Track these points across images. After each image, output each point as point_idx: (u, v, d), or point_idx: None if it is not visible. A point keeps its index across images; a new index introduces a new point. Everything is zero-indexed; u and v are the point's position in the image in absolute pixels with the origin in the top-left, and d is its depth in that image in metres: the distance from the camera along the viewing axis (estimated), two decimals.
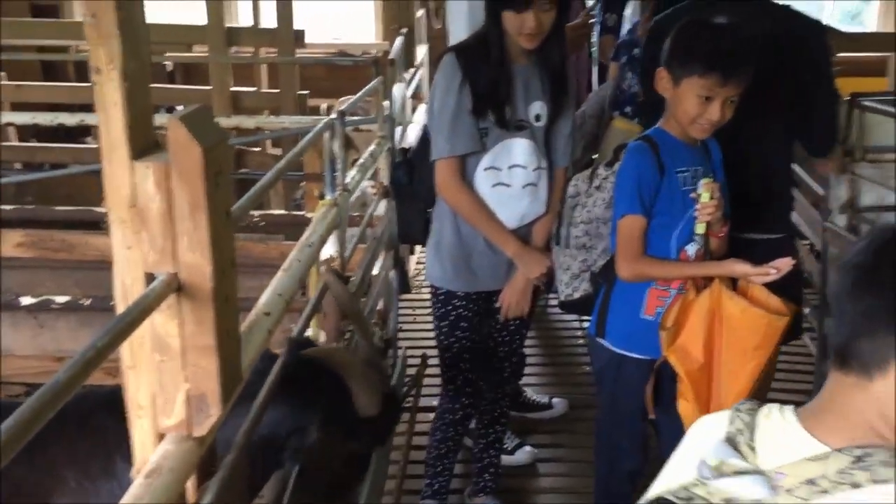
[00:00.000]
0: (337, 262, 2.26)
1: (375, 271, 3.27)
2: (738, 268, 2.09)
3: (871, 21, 6.41)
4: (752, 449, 0.98)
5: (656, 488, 1.06)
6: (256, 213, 3.68)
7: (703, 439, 1.06)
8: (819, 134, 2.49)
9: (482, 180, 2.34)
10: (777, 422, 0.99)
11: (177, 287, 1.02)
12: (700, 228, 2.16)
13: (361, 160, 2.93)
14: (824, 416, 0.97)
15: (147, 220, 1.01)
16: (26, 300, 3.02)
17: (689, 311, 2.16)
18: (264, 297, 1.51)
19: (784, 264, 2.05)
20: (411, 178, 2.55)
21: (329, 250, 2.28)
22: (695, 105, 2.06)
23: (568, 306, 2.46)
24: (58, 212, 3.72)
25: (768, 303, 2.13)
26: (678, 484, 1.01)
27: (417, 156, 2.55)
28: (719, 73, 2.03)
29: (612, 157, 2.31)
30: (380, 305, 3.35)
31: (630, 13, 3.72)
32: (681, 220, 2.17)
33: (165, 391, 1.06)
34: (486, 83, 2.26)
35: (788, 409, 1.02)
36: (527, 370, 3.60)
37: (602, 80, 4.22)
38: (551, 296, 4.34)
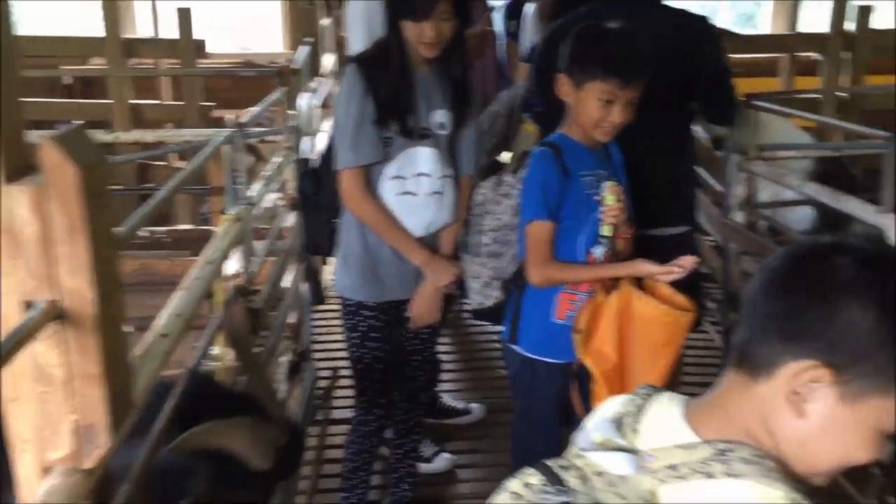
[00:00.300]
0: (242, 278, 2.21)
1: (286, 284, 3.23)
2: (644, 267, 2.13)
3: (764, 23, 6.66)
4: (635, 431, 1.00)
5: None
6: (162, 228, 3.59)
7: (596, 418, 1.08)
8: (723, 109, 2.64)
9: (387, 189, 2.33)
10: (664, 409, 1.01)
11: (58, 314, 0.98)
12: (606, 231, 2.20)
13: (266, 172, 2.89)
14: (707, 409, 0.99)
15: (22, 245, 0.96)
16: None
17: (599, 312, 2.19)
18: (161, 319, 1.47)
19: (688, 262, 2.09)
20: (317, 189, 2.52)
21: (234, 266, 2.24)
22: (597, 108, 2.09)
23: (480, 314, 2.46)
24: None
25: (674, 300, 2.18)
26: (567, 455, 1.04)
27: (323, 166, 2.52)
28: (620, 76, 2.06)
29: (517, 163, 2.33)
30: (292, 318, 3.31)
31: (531, 20, 3.77)
32: (587, 224, 2.20)
33: (51, 423, 1.02)
34: (388, 92, 2.25)
35: (680, 398, 1.03)
36: (443, 376, 3.60)
37: (508, 85, 4.26)
38: (465, 301, 4.40)
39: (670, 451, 0.95)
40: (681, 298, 2.18)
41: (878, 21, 4.82)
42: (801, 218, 3.73)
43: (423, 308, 2.43)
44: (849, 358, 0.88)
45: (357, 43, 2.76)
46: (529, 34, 3.83)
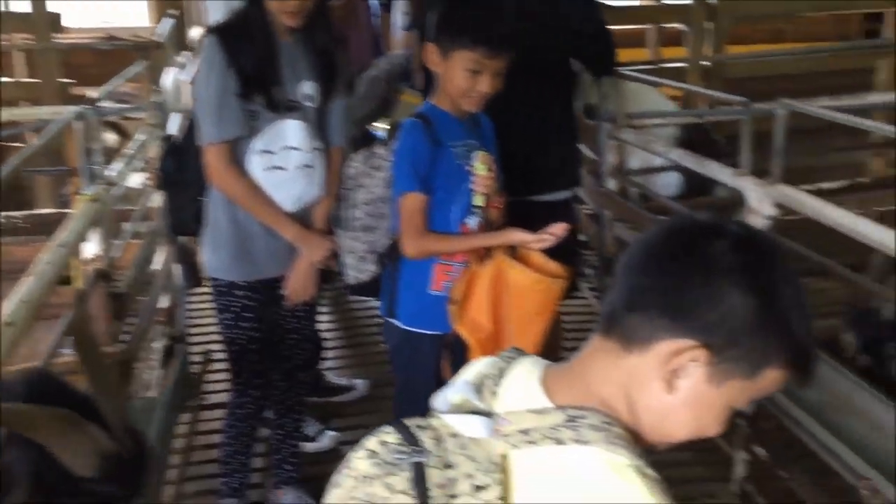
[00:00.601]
0: (102, 262, 2.11)
1: (157, 267, 3.11)
2: (516, 236, 2.14)
3: None
4: (494, 394, 1.00)
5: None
6: (18, 213, 3.38)
7: (460, 379, 1.07)
8: (601, 60, 2.73)
9: (255, 164, 2.25)
10: (523, 373, 1.01)
11: None
12: (478, 200, 2.20)
13: (128, 150, 2.76)
14: (566, 375, 0.99)
15: None
16: None
17: (474, 282, 2.19)
18: (6, 307, 1.37)
19: (560, 229, 2.11)
20: (180, 166, 2.41)
21: (93, 249, 2.13)
22: (465, 78, 2.07)
23: (357, 289, 2.43)
24: None
25: (547, 267, 2.19)
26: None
27: (186, 142, 2.41)
28: (487, 46, 2.04)
29: (388, 136, 2.30)
30: (165, 302, 3.20)
31: None
32: (459, 194, 2.19)
33: None
34: (252, 63, 2.17)
35: (541, 363, 1.04)
36: (327, 353, 3.56)
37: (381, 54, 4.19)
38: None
39: (523, 415, 0.95)
40: (553, 265, 2.20)
41: None
42: (668, 183, 3.86)
43: (297, 284, 2.37)
44: (725, 341, 0.90)
45: (216, 12, 2.64)
46: (400, 3, 3.77)
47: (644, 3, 5.46)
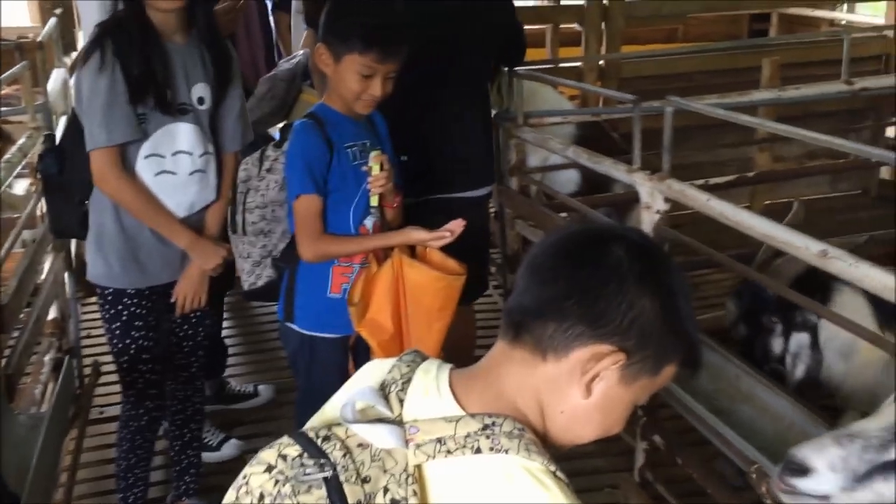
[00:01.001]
0: None
1: (43, 276, 2.98)
2: (415, 235, 2.13)
3: None
4: (401, 401, 0.99)
5: (310, 422, 1.04)
6: None
7: (362, 381, 1.05)
8: (512, 53, 2.88)
9: (144, 168, 2.18)
10: (430, 379, 1.00)
11: None
12: (374, 200, 2.18)
13: (7, 156, 2.63)
14: (476, 381, 1.00)
15: None
16: None
17: (374, 283, 2.17)
18: None
19: (457, 226, 2.11)
20: (62, 168, 2.31)
21: None
22: (356, 82, 2.06)
23: (252, 295, 2.38)
24: None
25: (445, 265, 2.20)
26: (322, 420, 1.01)
27: (67, 143, 2.31)
28: (378, 50, 2.03)
29: (280, 137, 2.26)
30: (55, 314, 3.07)
31: None
32: (355, 195, 2.17)
33: None
34: (140, 64, 2.09)
35: (446, 367, 1.03)
36: (230, 360, 3.48)
37: (279, 56, 4.14)
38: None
39: (436, 423, 0.94)
40: (452, 263, 2.20)
41: None
42: (568, 180, 3.92)
43: (188, 291, 2.31)
44: (637, 343, 0.95)
45: (90, 13, 2.55)
46: (295, 2, 3.73)
47: (541, 4, 5.55)
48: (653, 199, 2.36)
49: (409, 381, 1.01)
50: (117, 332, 2.30)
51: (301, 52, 3.63)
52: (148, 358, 2.33)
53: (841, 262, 1.69)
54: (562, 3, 5.53)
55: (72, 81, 3.67)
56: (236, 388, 3.33)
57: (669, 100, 2.34)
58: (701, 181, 3.12)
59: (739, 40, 5.97)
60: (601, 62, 4.83)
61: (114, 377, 3.29)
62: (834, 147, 1.82)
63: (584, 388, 0.95)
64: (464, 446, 0.92)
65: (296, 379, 2.44)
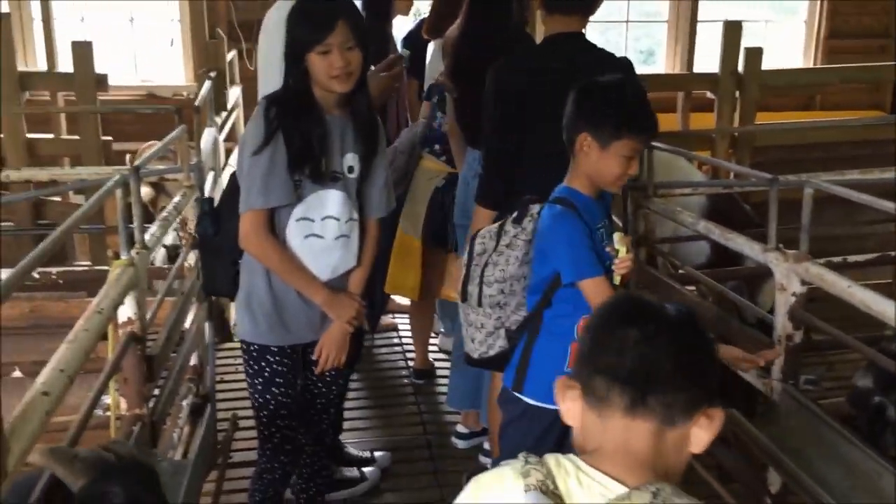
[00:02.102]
0: (136, 325, 2.15)
1: (187, 325, 3.15)
2: (732, 353, 2.18)
3: (662, 61, 6.89)
4: (560, 496, 1.08)
5: None
6: (54, 269, 3.46)
7: (498, 495, 1.11)
8: None
9: (294, 231, 2.29)
10: (572, 469, 1.10)
11: None
12: (617, 280, 2.22)
13: (164, 213, 2.82)
14: (617, 458, 1.10)
15: None
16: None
17: None
18: (43, 375, 1.41)
19: (773, 355, 2.29)
20: (217, 229, 2.46)
21: (127, 312, 2.17)
22: (621, 164, 2.13)
23: (482, 363, 2.45)
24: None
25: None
26: None
27: (225, 206, 2.46)
28: (647, 133, 2.15)
29: (519, 213, 2.32)
30: (194, 360, 3.23)
31: (431, 57, 3.81)
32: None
33: None
34: (301, 136, 2.21)
35: (572, 457, 1.12)
36: (348, 414, 3.55)
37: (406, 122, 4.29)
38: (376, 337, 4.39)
39: None
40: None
41: (766, 62, 5.06)
42: (697, 252, 3.86)
43: (331, 351, 2.40)
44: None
45: (273, 79, 2.70)
46: (431, 71, 3.86)
47: (675, 73, 5.54)
48: (788, 281, 2.31)
49: (553, 477, 1.10)
50: (259, 386, 2.40)
51: (420, 121, 3.77)
52: (286, 413, 2.42)
53: None
54: (695, 70, 5.49)
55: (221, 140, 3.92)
56: (353, 452, 3.37)
57: (809, 181, 2.30)
58: (839, 259, 3.03)
59: (876, 117, 5.76)
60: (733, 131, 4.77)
61: (243, 423, 3.45)
62: None
63: (696, 448, 1.12)
64: None
65: (502, 446, 2.48)
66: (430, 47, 3.95)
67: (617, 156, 2.12)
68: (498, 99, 2.64)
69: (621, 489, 1.07)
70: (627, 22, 6.93)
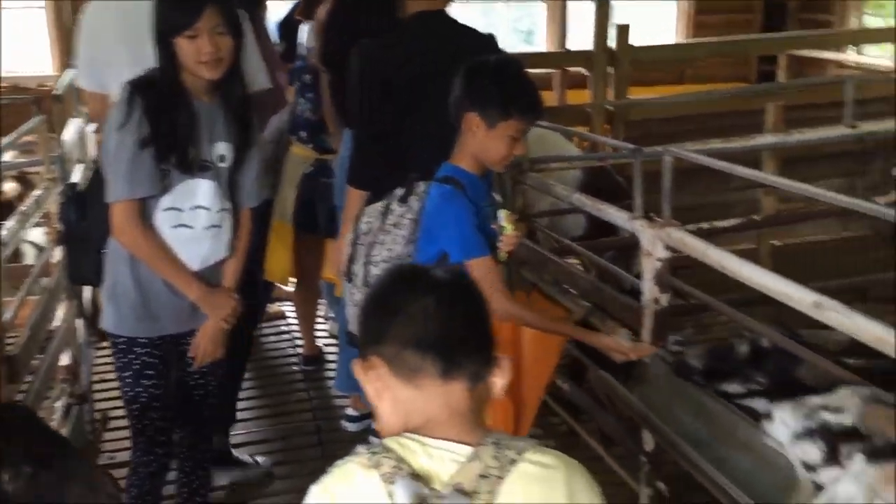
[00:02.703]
0: None
1: (58, 323, 3.04)
2: (611, 343, 2.31)
3: (541, 40, 7.01)
4: (423, 475, 1.10)
5: None
6: None
7: (351, 493, 1.12)
8: None
9: (162, 221, 2.23)
10: (416, 446, 1.12)
11: None
12: (503, 256, 2.26)
13: (23, 207, 2.70)
14: (453, 422, 1.13)
15: None
16: None
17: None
18: None
19: (647, 350, 2.34)
20: (82, 216, 2.36)
21: None
22: (507, 145, 2.16)
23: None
24: None
25: (553, 310, 2.50)
26: None
27: (89, 192, 2.36)
28: (533, 114, 2.18)
29: (405, 192, 2.31)
30: (66, 360, 3.12)
31: (305, 40, 3.76)
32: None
33: None
34: (167, 123, 2.15)
35: (409, 435, 1.14)
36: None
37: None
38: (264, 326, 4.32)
39: (466, 467, 1.11)
40: (557, 309, 2.50)
41: (641, 39, 5.21)
42: (575, 225, 3.95)
43: (206, 346, 2.36)
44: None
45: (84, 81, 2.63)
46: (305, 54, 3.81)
47: (551, 51, 5.64)
48: (653, 247, 2.39)
49: (406, 461, 1.11)
50: (129, 380, 2.34)
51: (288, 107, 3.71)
52: (158, 406, 2.36)
53: (835, 314, 1.71)
54: (569, 48, 5.60)
55: (89, 130, 3.77)
56: (239, 457, 3.29)
57: (667, 149, 2.38)
58: (707, 224, 3.15)
59: (744, 87, 6.03)
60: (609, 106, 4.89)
61: (124, 423, 3.34)
62: (829, 201, 1.84)
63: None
64: (502, 466, 1.10)
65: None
66: (304, 29, 3.90)
67: (503, 136, 2.15)
68: (363, 81, 2.63)
69: (468, 450, 1.11)
70: (507, 1, 7.01)
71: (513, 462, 1.10)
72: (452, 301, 1.15)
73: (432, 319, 1.12)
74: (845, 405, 1.78)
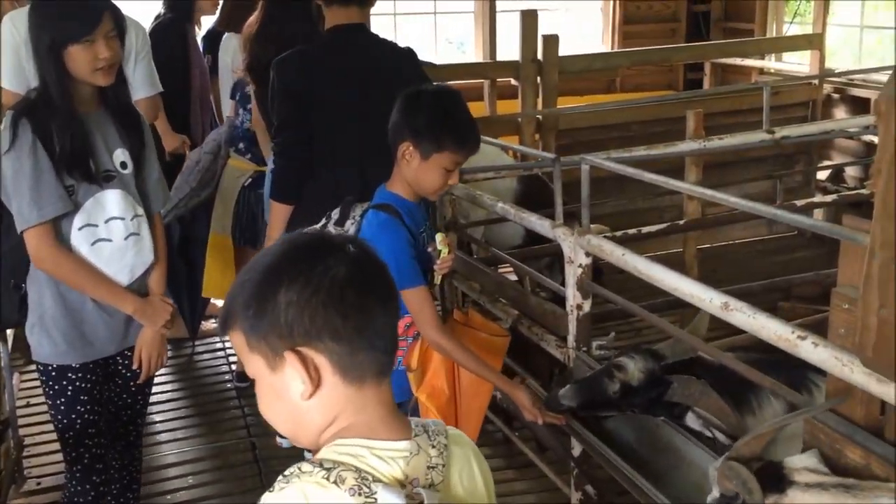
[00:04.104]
0: None
1: None
2: (524, 400, 2.25)
3: (471, 51, 7.06)
4: (392, 479, 1.05)
5: None
6: None
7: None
8: None
9: (79, 240, 2.19)
10: (365, 451, 1.06)
11: None
12: (438, 279, 2.29)
13: None
14: (389, 420, 1.10)
15: None
16: None
17: (430, 351, 2.27)
18: None
19: (555, 420, 2.28)
20: None
21: None
22: (442, 176, 2.15)
23: None
24: None
25: (488, 327, 2.45)
26: None
27: None
28: (468, 147, 2.17)
29: (340, 215, 2.32)
30: None
31: (233, 53, 3.76)
32: (426, 277, 2.26)
33: None
34: (61, 138, 2.11)
35: (350, 441, 1.08)
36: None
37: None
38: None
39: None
40: (494, 325, 2.47)
41: (569, 49, 5.29)
42: (513, 234, 4.00)
43: (151, 353, 2.33)
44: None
45: (7, 82, 2.59)
46: (230, 65, 3.79)
47: (479, 62, 5.69)
48: (575, 254, 2.43)
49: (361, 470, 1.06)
50: (62, 407, 2.29)
51: (228, 120, 3.72)
52: (94, 432, 2.32)
53: (741, 314, 1.76)
54: (498, 59, 5.66)
55: None
56: None
57: (584, 157, 2.43)
58: (634, 230, 3.22)
59: (669, 94, 6.16)
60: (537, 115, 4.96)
61: (48, 447, 3.27)
62: (754, 212, 1.90)
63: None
64: (442, 454, 1.12)
65: None
66: (227, 41, 3.89)
67: (438, 167, 2.15)
68: (282, 95, 2.63)
69: (407, 444, 1.07)
70: (435, 14, 7.05)
71: (446, 447, 1.11)
72: (391, 299, 1.12)
73: (382, 317, 1.07)
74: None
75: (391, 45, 2.74)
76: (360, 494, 0.99)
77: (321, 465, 1.02)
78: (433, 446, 1.09)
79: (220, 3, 4.16)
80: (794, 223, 1.85)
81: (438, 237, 2.25)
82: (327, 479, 1.00)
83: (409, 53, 2.73)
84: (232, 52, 3.83)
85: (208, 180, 3.60)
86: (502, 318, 2.90)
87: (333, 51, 2.65)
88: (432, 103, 2.17)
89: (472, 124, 2.19)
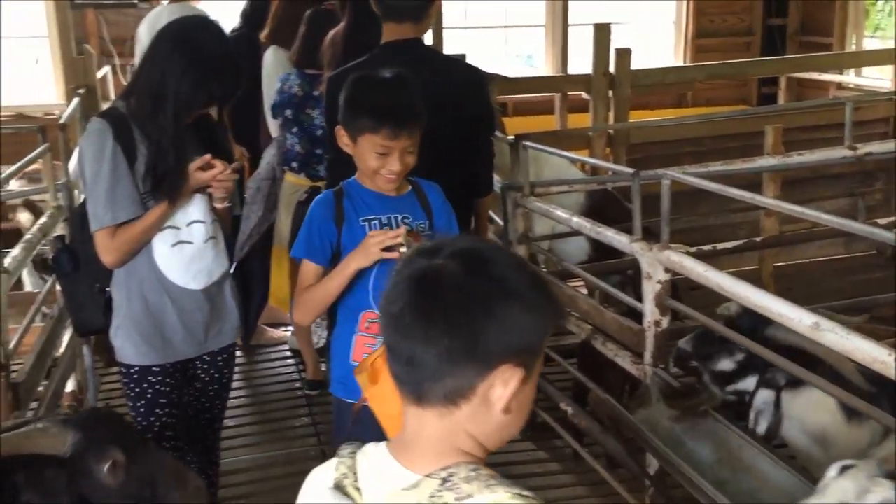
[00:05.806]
0: None
1: (61, 350, 3.05)
2: (370, 241, 2.07)
3: (541, 64, 7.05)
4: (358, 490, 1.04)
5: None
6: None
7: (313, 492, 1.10)
8: (482, 177, 2.70)
9: (160, 240, 2.24)
10: (374, 459, 1.07)
11: None
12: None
13: (28, 235, 2.73)
14: (411, 448, 1.05)
15: None
16: None
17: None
18: None
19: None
20: (75, 265, 2.32)
21: None
22: (374, 159, 2.08)
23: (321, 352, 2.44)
24: None
25: None
26: None
27: (77, 239, 2.34)
28: (389, 127, 2.05)
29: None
30: (71, 386, 3.13)
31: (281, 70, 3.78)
32: (374, 267, 2.12)
33: None
34: (157, 146, 2.16)
35: (381, 445, 1.09)
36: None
37: None
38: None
39: (399, 495, 1.00)
40: None
41: (640, 62, 5.24)
42: (578, 249, 3.95)
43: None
44: (528, 350, 1.03)
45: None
46: (273, 81, 3.80)
47: (550, 75, 5.69)
48: (653, 270, 2.40)
49: (356, 470, 1.07)
50: (142, 409, 2.34)
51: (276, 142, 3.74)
52: (171, 435, 2.37)
53: (833, 335, 1.72)
54: (570, 72, 5.64)
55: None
56: None
57: (666, 172, 2.40)
58: (709, 246, 3.17)
59: (744, 109, 6.06)
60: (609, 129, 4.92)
61: None
62: (829, 224, 1.85)
63: (502, 407, 1.03)
64: None
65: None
66: (273, 55, 3.89)
67: (367, 150, 2.09)
68: (331, 109, 2.64)
69: (413, 477, 1.02)
70: (506, 27, 7.06)
71: None
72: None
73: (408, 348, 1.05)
74: None
75: (451, 61, 2.71)
76: (329, 489, 1.06)
77: (342, 452, 1.10)
78: (431, 497, 1.02)
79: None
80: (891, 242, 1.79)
81: (402, 229, 2.09)
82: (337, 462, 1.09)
83: (469, 69, 2.72)
84: (278, 65, 3.81)
85: (273, 204, 3.69)
86: (575, 332, 2.88)
87: (387, 66, 2.64)
88: (351, 86, 2.14)
89: (391, 105, 2.08)
